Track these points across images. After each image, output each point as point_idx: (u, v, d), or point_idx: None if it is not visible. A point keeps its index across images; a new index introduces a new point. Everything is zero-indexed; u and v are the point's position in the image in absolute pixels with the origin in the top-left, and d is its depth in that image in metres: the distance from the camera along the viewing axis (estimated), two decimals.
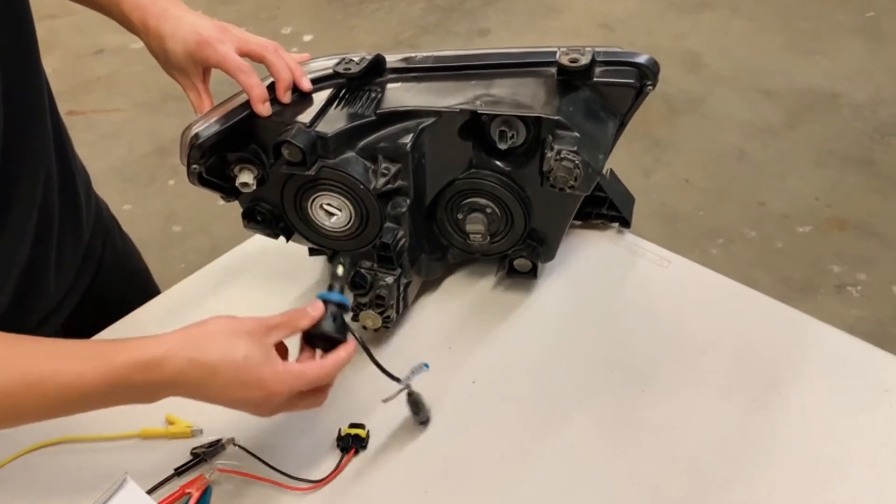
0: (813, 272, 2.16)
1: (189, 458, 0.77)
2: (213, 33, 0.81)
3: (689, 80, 2.94)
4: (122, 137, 2.78)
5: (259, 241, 1.04)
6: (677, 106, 2.81)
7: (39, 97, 0.80)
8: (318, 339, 0.72)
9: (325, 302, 0.73)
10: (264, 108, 0.79)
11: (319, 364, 0.71)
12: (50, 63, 3.19)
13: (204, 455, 0.76)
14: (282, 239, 0.92)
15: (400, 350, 0.90)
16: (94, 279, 0.97)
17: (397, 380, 0.74)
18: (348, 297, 0.76)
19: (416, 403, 0.78)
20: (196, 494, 0.73)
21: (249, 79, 0.80)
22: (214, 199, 0.89)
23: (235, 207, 0.90)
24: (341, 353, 0.71)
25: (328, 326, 0.72)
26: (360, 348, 0.73)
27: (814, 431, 0.79)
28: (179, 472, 0.76)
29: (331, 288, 0.74)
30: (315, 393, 0.72)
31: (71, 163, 0.89)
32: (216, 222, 2.34)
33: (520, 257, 0.92)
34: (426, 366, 0.76)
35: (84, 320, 0.94)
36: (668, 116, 2.75)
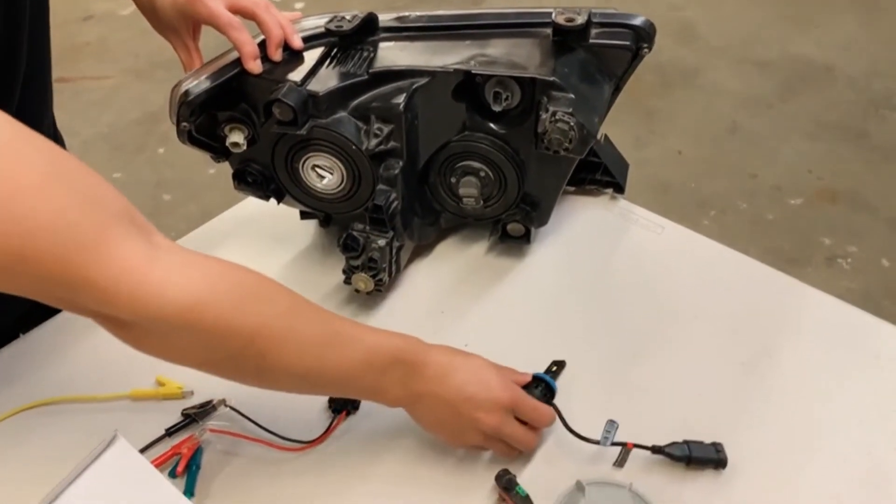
0: (804, 244, 2.16)
1: (180, 418, 0.76)
2: None
3: (683, 51, 2.92)
4: (111, 105, 2.75)
5: (250, 205, 1.03)
6: (671, 77, 2.79)
7: (46, 57, 0.79)
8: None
9: (538, 379, 0.76)
10: (255, 66, 0.78)
11: (540, 403, 0.73)
12: None
13: (195, 416, 0.76)
14: (273, 202, 0.91)
15: (392, 313, 0.89)
16: None
17: (596, 442, 0.73)
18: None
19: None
20: (187, 454, 0.73)
21: (240, 35, 0.78)
22: (205, 168, 0.88)
23: (225, 176, 0.89)
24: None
25: (536, 395, 0.75)
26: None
27: (805, 395, 0.80)
28: (170, 432, 0.75)
29: None
30: (526, 430, 0.72)
31: (56, 126, 0.88)
32: (206, 191, 2.32)
33: (513, 221, 0.92)
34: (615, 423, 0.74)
35: None
36: (661, 88, 2.74)
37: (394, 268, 0.87)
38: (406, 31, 0.85)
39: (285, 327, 0.61)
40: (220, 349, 0.59)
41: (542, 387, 0.76)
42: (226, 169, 0.89)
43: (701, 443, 0.73)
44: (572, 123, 0.77)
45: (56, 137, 0.89)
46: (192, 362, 0.62)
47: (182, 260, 0.57)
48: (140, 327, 0.56)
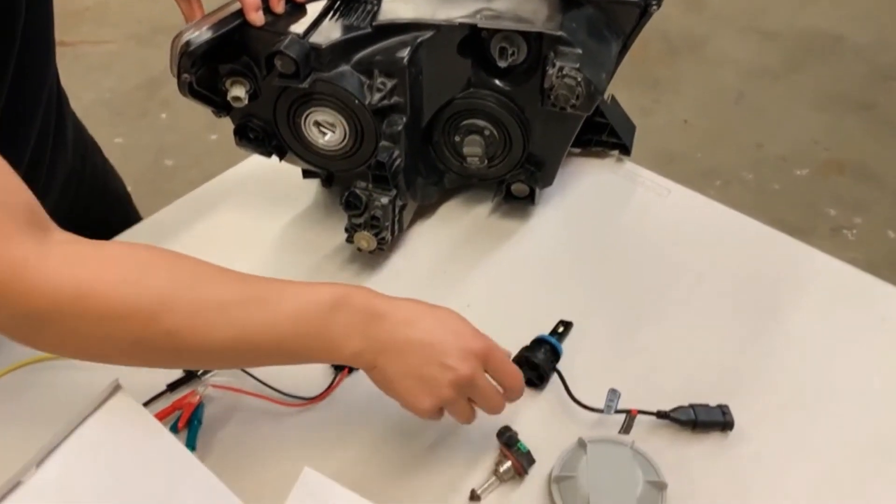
0: (809, 215, 2.15)
1: (182, 374, 0.76)
2: None
3: (691, 19, 2.89)
4: (112, 70, 2.73)
5: (251, 164, 1.02)
6: (678, 46, 2.76)
7: (48, 9, 0.77)
8: (525, 367, 0.75)
9: (543, 341, 0.77)
10: (257, 17, 0.77)
11: (514, 366, 0.67)
12: None
13: (196, 371, 0.76)
14: (275, 161, 0.90)
15: (395, 273, 0.89)
16: (75, 198, 0.94)
17: (600, 411, 0.72)
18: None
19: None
20: (189, 409, 0.72)
21: None
22: (206, 133, 0.87)
23: (227, 142, 0.88)
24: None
25: (540, 357, 0.75)
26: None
27: (810, 357, 0.79)
28: (172, 387, 0.75)
29: None
30: (497, 390, 0.65)
31: (59, 81, 0.87)
32: (208, 156, 2.30)
33: (517, 182, 0.91)
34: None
35: None
36: (668, 57, 2.71)
37: (396, 227, 0.86)
38: None
39: (191, 298, 0.56)
40: (122, 334, 0.55)
41: (547, 349, 0.76)
42: (228, 135, 0.88)
43: (707, 406, 0.73)
44: (579, 79, 0.76)
45: (59, 96, 0.87)
46: (105, 354, 0.58)
47: (76, 251, 0.55)
48: (39, 324, 0.54)
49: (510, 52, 0.79)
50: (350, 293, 0.61)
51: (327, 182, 0.95)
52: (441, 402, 0.62)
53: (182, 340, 0.56)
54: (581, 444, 0.69)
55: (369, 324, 0.60)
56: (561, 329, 0.80)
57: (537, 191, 0.92)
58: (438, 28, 0.79)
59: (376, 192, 0.83)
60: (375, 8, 0.81)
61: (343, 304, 0.60)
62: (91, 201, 0.98)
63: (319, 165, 0.89)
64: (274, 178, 0.98)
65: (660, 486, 0.66)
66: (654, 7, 0.82)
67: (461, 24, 0.78)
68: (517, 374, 0.66)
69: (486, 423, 0.72)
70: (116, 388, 0.59)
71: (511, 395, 0.66)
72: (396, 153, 0.82)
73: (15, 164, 0.57)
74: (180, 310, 0.55)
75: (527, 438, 0.71)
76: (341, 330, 0.60)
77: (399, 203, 0.85)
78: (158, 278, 0.56)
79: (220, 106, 0.84)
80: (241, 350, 0.59)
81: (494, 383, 0.65)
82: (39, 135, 0.80)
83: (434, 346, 0.61)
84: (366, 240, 0.84)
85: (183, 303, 0.56)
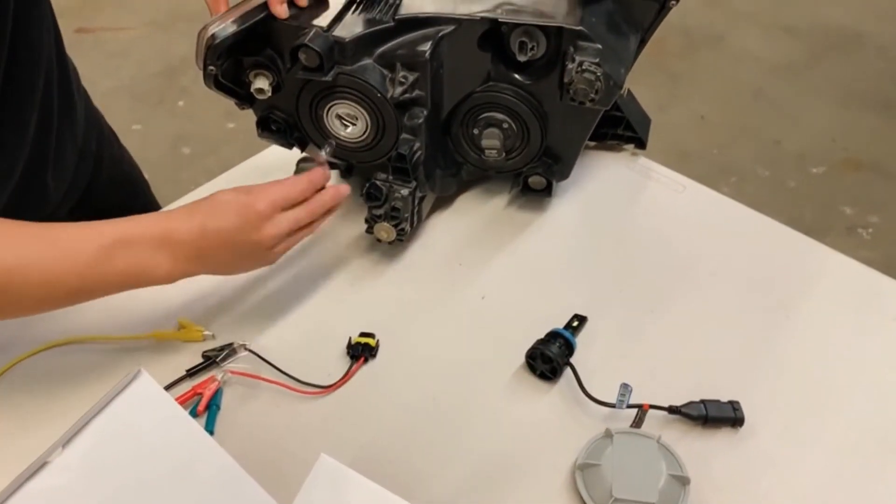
0: (825, 213, 2.14)
1: (201, 360, 0.77)
2: None
3: (711, 14, 2.87)
4: (132, 57, 2.75)
5: (270, 156, 1.03)
6: (697, 40, 2.75)
7: None
8: (538, 360, 0.77)
9: (557, 334, 0.77)
10: (282, 10, 0.78)
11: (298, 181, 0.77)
12: None
13: (215, 358, 0.77)
14: (295, 152, 0.91)
15: (412, 264, 0.90)
16: (91, 182, 0.95)
17: (612, 405, 0.73)
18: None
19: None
20: (208, 395, 0.74)
21: None
22: (224, 121, 0.88)
23: (245, 131, 0.89)
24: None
25: (554, 351, 0.75)
26: None
27: (822, 354, 0.80)
28: (191, 373, 0.77)
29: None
30: (308, 205, 0.76)
31: (64, 54, 0.87)
32: (226, 144, 2.32)
33: (534, 174, 0.92)
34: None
35: None
36: (686, 51, 2.70)
37: (415, 218, 0.87)
38: None
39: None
40: None
41: (562, 343, 0.77)
42: (245, 123, 0.89)
43: (718, 401, 0.73)
44: (599, 74, 0.76)
45: (66, 74, 0.87)
46: None
47: None
48: None
49: (530, 46, 0.80)
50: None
51: (346, 173, 0.96)
52: (271, 256, 0.76)
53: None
54: (608, 434, 0.70)
55: (169, 250, 0.69)
56: (576, 323, 0.81)
57: (554, 183, 0.93)
58: (460, 22, 0.79)
59: (396, 183, 0.84)
60: (397, 2, 0.82)
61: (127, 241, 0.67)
62: (108, 185, 0.99)
63: (340, 157, 0.90)
64: (291, 168, 0.99)
65: (683, 481, 0.67)
66: (673, 2, 0.83)
67: (482, 19, 0.79)
68: (305, 182, 0.76)
69: (499, 424, 0.74)
70: (139, 374, 0.60)
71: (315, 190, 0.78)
72: (417, 146, 0.83)
73: (17, 138, 0.61)
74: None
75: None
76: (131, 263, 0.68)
77: (418, 195, 0.86)
78: None
79: (244, 98, 0.85)
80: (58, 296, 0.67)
81: (301, 210, 0.76)
82: (42, 109, 0.81)
83: (235, 236, 0.71)
84: (385, 231, 0.85)
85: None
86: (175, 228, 0.69)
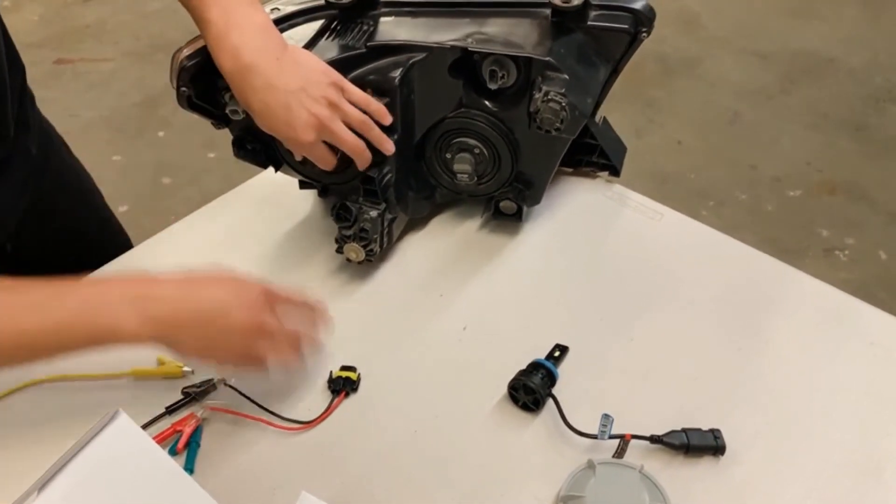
0: (802, 235, 2.16)
1: (180, 397, 0.76)
2: None
3: (686, 40, 2.92)
4: (111, 87, 2.75)
5: (251, 183, 1.03)
6: (672, 66, 2.79)
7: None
8: (521, 391, 0.76)
9: (539, 365, 0.77)
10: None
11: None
12: (37, 10, 3.15)
13: (195, 394, 0.76)
14: (273, 175, 0.91)
15: (384, 284, 0.90)
16: (38, 192, 0.93)
17: (594, 437, 0.73)
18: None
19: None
20: (188, 432, 0.73)
21: None
22: (204, 151, 0.88)
23: (225, 161, 0.89)
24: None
25: (537, 382, 0.75)
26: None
27: (799, 381, 0.79)
28: (171, 410, 0.75)
29: None
30: (292, 332, 0.72)
31: (17, 56, 0.86)
32: (206, 174, 2.32)
33: (506, 199, 0.92)
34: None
35: (33, 237, 0.94)
36: (662, 77, 2.73)
37: (385, 239, 0.87)
38: (406, 7, 0.85)
39: None
40: None
41: (544, 374, 0.76)
42: (226, 153, 0.89)
43: (699, 430, 0.73)
44: (564, 104, 0.77)
45: (22, 90, 0.86)
46: None
47: None
48: None
49: (500, 74, 0.80)
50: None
51: (323, 192, 0.96)
52: (253, 352, 0.69)
53: None
54: (590, 465, 0.69)
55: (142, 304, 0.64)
56: (557, 353, 0.80)
57: (524, 209, 0.93)
58: (431, 50, 0.80)
59: (366, 205, 0.84)
60: (371, 28, 0.82)
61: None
62: (56, 197, 0.98)
63: (313, 178, 0.90)
64: (272, 189, 0.99)
65: None
66: (644, 34, 0.84)
67: (453, 47, 0.80)
68: (297, 295, 0.75)
69: (482, 456, 0.73)
70: (117, 414, 0.59)
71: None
72: (387, 168, 0.83)
73: None
74: None
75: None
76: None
77: (388, 216, 0.86)
78: None
79: (219, 118, 0.85)
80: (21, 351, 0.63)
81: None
82: None
83: (218, 312, 0.67)
84: (354, 251, 0.85)
85: None
86: (158, 282, 0.67)
